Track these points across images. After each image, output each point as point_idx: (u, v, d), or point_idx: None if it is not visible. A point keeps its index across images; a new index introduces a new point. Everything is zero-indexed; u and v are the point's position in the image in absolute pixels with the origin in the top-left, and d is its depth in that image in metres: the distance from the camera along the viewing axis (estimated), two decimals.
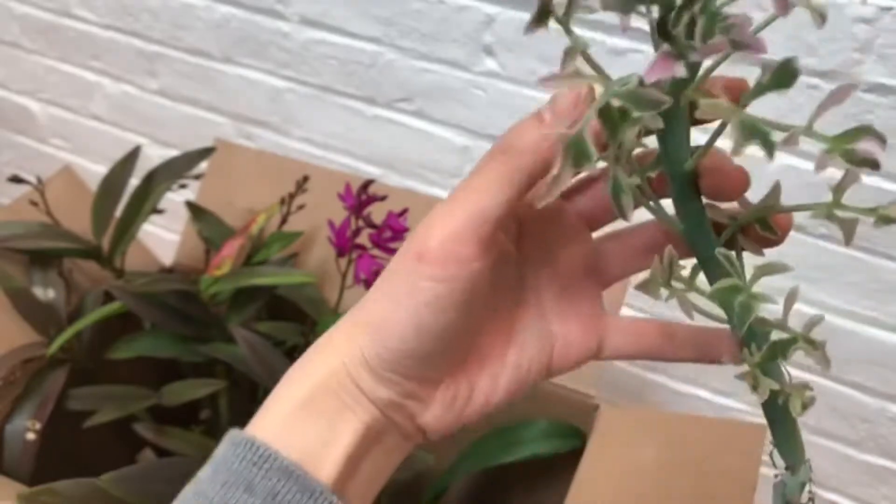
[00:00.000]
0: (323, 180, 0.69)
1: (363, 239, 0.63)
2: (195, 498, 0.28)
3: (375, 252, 0.63)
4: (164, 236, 1.03)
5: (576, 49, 0.25)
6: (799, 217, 0.77)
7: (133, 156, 0.70)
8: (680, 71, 0.22)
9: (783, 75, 0.23)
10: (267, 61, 0.92)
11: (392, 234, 0.63)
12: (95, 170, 1.09)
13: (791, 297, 0.27)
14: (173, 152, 0.76)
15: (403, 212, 0.63)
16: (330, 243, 0.65)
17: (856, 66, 0.63)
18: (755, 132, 0.23)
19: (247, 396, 0.68)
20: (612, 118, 0.24)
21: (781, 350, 0.28)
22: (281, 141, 0.97)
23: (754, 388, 0.28)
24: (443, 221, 0.28)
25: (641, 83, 0.24)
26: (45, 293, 0.66)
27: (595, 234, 0.32)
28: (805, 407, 0.29)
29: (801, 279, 0.74)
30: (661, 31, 0.23)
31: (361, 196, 0.62)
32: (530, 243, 0.31)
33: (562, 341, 0.32)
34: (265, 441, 0.28)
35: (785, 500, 0.32)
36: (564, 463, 0.58)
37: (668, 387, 0.89)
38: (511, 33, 0.77)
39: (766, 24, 0.25)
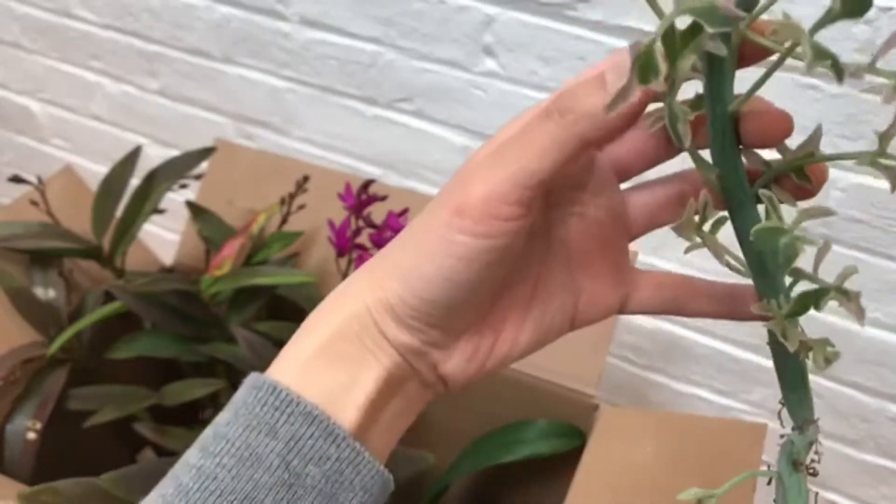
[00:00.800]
0: (323, 180, 0.69)
1: (363, 239, 0.63)
2: (216, 440, 0.28)
3: (375, 252, 0.63)
4: (164, 236, 1.03)
5: None
6: None
7: (133, 156, 0.70)
8: None
9: (855, 3, 0.22)
10: (267, 61, 0.92)
11: (392, 234, 0.63)
12: (96, 170, 1.09)
13: (824, 249, 0.27)
14: (174, 152, 0.76)
15: (403, 212, 0.63)
16: (330, 243, 0.65)
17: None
18: (826, 55, 0.23)
19: None
20: (673, 42, 0.24)
21: (815, 301, 0.27)
22: (281, 141, 0.97)
23: (784, 338, 0.28)
24: (487, 177, 0.27)
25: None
26: (46, 293, 0.66)
27: (623, 186, 0.32)
28: (828, 361, 0.28)
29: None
30: None
31: (361, 196, 0.62)
32: (561, 193, 0.30)
33: (587, 294, 0.31)
34: (286, 385, 0.28)
35: (792, 459, 0.31)
36: (564, 462, 0.58)
37: (668, 387, 0.90)
38: (511, 33, 0.77)
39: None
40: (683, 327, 0.85)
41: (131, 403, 0.61)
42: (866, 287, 0.74)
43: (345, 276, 0.64)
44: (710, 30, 0.23)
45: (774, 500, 0.32)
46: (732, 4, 0.23)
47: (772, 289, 0.29)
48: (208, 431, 0.29)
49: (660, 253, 0.81)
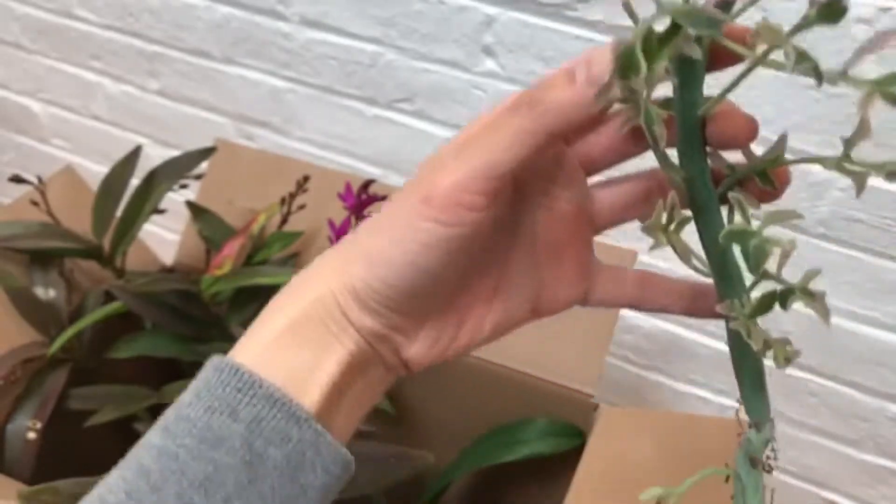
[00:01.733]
0: (323, 180, 0.69)
1: None
2: (177, 422, 0.28)
3: None
4: (164, 236, 1.03)
5: None
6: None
7: (134, 156, 0.70)
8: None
9: (831, 10, 0.23)
10: (267, 61, 0.92)
11: None
12: (96, 170, 1.09)
13: (788, 249, 0.27)
14: (174, 152, 0.76)
15: None
16: (330, 243, 0.65)
17: (855, 66, 0.63)
18: (806, 59, 0.23)
19: None
20: (651, 44, 0.24)
21: (781, 301, 0.28)
22: (281, 141, 0.97)
23: (748, 337, 0.28)
24: (454, 167, 0.27)
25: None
26: (46, 293, 0.66)
27: (591, 180, 0.32)
28: (788, 360, 0.29)
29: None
30: None
31: (361, 196, 0.62)
32: (529, 186, 0.31)
33: (550, 286, 0.32)
34: (249, 367, 0.28)
35: (749, 456, 0.32)
36: (564, 462, 0.58)
37: (668, 387, 0.90)
38: (511, 34, 0.77)
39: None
40: (683, 327, 0.85)
41: (131, 403, 0.61)
42: (866, 287, 0.74)
43: None
44: (691, 32, 0.23)
45: (733, 498, 0.33)
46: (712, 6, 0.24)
47: (733, 289, 0.29)
48: (170, 413, 0.29)
49: (660, 253, 0.81)
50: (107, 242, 0.68)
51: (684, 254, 0.29)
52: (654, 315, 0.86)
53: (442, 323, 0.31)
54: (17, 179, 0.66)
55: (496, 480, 0.70)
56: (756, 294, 0.29)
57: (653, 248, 0.29)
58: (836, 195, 0.70)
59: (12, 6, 1.06)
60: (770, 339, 0.29)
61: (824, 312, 0.28)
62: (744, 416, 0.33)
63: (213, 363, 0.29)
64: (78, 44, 1.04)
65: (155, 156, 1.01)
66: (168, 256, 0.77)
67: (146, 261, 0.76)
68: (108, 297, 0.65)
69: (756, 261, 0.26)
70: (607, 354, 0.63)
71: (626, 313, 0.83)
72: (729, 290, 0.29)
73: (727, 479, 0.33)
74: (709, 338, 0.84)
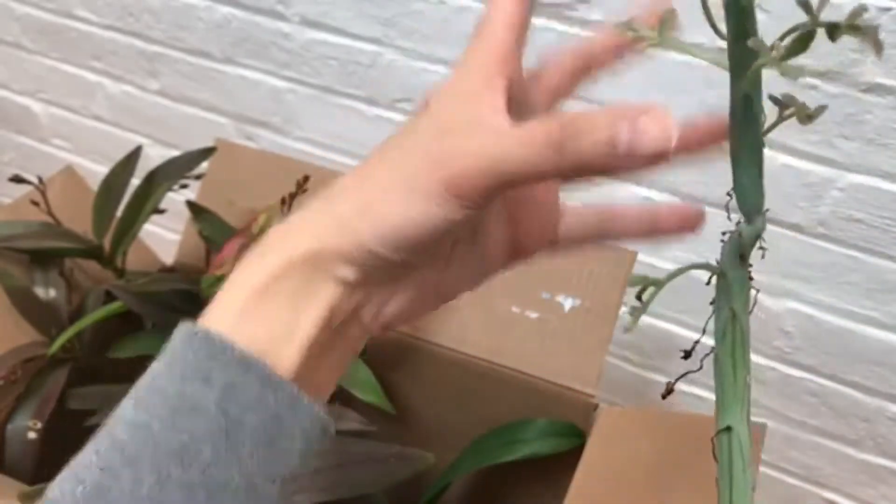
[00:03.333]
0: (323, 180, 0.69)
1: None
2: (150, 393, 0.28)
3: None
4: (165, 236, 1.03)
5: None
6: (797, 217, 0.77)
7: (134, 156, 0.70)
8: None
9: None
10: (268, 62, 0.92)
11: None
12: (97, 170, 1.09)
13: None
14: (174, 152, 0.77)
15: None
16: None
17: (854, 67, 0.64)
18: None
19: None
20: None
21: (829, 34, 0.26)
22: (281, 141, 0.97)
23: (783, 73, 0.26)
24: (477, 153, 0.27)
25: None
26: (47, 293, 0.66)
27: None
28: (810, 118, 0.28)
29: (801, 279, 0.74)
30: None
31: None
32: None
33: (524, 235, 0.32)
34: (222, 331, 0.27)
35: (738, 252, 0.31)
36: (564, 462, 0.58)
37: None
38: None
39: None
40: (683, 327, 0.85)
41: None
42: (866, 287, 0.74)
43: None
44: None
45: (712, 303, 0.33)
46: None
47: (749, 52, 0.28)
48: (142, 383, 0.28)
49: (659, 253, 0.81)
50: (107, 242, 0.68)
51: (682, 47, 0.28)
52: (654, 315, 0.86)
53: (423, 281, 0.30)
54: (17, 179, 0.66)
55: (496, 480, 0.70)
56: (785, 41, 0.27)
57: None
58: (836, 195, 0.70)
59: (12, 6, 1.06)
60: (790, 100, 0.28)
61: (877, 45, 0.25)
62: (733, 206, 0.31)
63: (183, 330, 0.28)
64: (78, 44, 1.04)
65: (155, 156, 1.01)
66: (168, 256, 0.77)
67: (146, 261, 0.76)
68: (109, 297, 0.65)
69: None
70: (607, 354, 0.63)
71: (625, 313, 0.83)
72: (747, 51, 0.28)
73: (709, 280, 0.32)
74: (709, 337, 0.84)
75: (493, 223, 0.32)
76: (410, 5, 0.80)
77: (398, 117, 0.88)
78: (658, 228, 0.32)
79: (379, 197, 0.28)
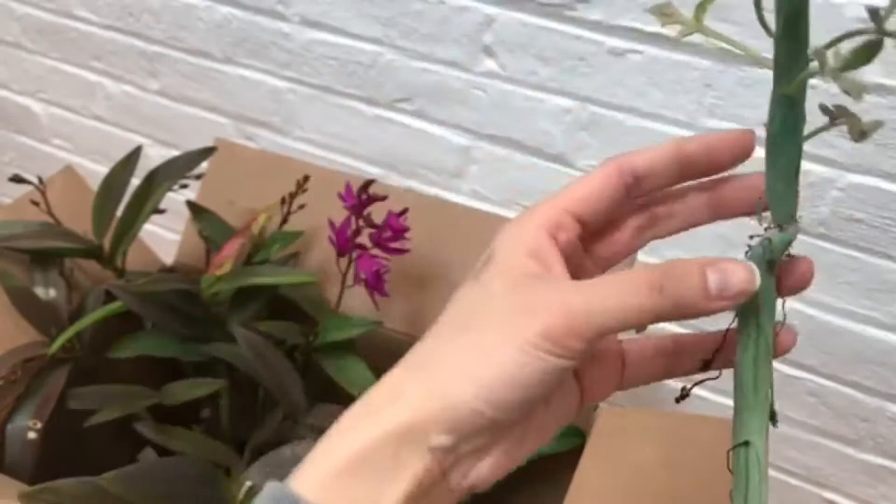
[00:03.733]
0: (323, 180, 0.69)
1: (363, 239, 0.63)
2: None
3: (376, 252, 0.63)
4: (165, 236, 1.03)
5: None
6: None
7: (134, 156, 0.70)
8: None
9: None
10: (267, 62, 0.92)
11: (392, 233, 0.63)
12: (96, 170, 1.09)
13: None
14: (174, 152, 0.77)
15: (403, 212, 0.63)
16: (330, 243, 0.65)
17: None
18: None
19: (247, 396, 0.68)
20: None
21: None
22: (281, 141, 0.97)
23: (846, 89, 0.25)
24: (574, 314, 0.28)
25: None
26: (47, 293, 0.66)
27: None
28: (864, 134, 0.27)
29: None
30: None
31: (362, 196, 0.62)
32: None
33: (593, 384, 0.34)
34: (308, 499, 0.27)
35: (768, 258, 0.30)
36: (564, 462, 0.58)
37: (668, 387, 0.89)
38: (511, 34, 0.77)
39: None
40: (683, 327, 0.85)
41: (132, 403, 0.61)
42: (866, 287, 0.74)
43: (345, 276, 0.64)
44: None
45: (738, 315, 0.32)
46: None
47: (800, 55, 0.27)
48: None
49: (659, 252, 0.81)
50: (107, 242, 0.68)
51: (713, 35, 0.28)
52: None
53: (511, 438, 0.30)
54: (17, 179, 0.66)
55: (496, 480, 0.69)
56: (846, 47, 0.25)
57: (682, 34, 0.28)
58: (836, 195, 0.70)
59: (12, 6, 1.06)
60: (844, 113, 0.27)
61: None
62: (765, 215, 0.31)
63: (270, 492, 0.28)
64: (78, 44, 1.04)
65: (155, 156, 1.01)
66: (168, 256, 0.77)
67: (146, 261, 0.76)
68: (109, 296, 0.65)
69: None
70: None
71: None
72: (795, 53, 0.27)
73: None
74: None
75: (566, 386, 0.33)
76: (410, 5, 0.80)
77: (398, 117, 0.88)
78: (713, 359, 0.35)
79: (474, 356, 0.28)
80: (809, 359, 0.79)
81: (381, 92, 0.88)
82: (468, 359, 0.29)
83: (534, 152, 0.83)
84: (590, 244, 0.33)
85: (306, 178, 0.68)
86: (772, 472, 0.89)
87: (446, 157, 0.88)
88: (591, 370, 0.33)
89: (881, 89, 0.64)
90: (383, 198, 0.63)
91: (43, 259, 0.67)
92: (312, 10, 0.86)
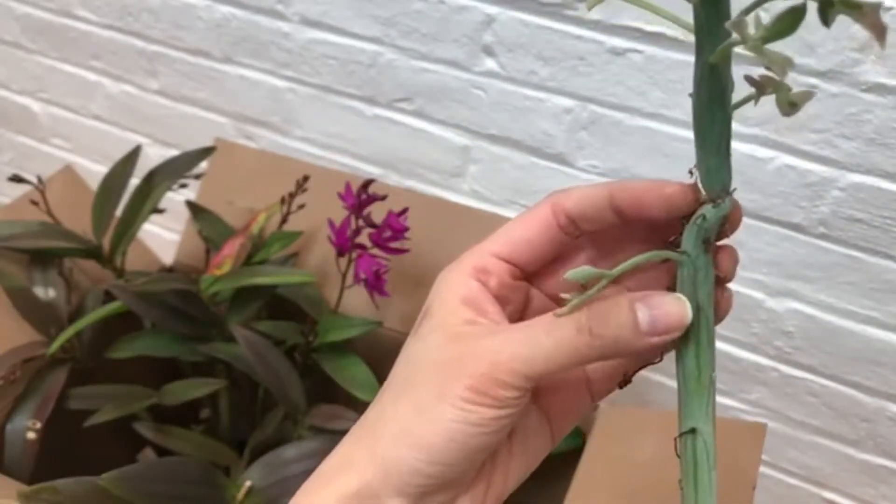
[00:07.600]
0: (323, 180, 0.69)
1: (363, 238, 0.63)
2: None
3: (375, 252, 0.63)
4: (164, 236, 1.03)
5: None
6: (798, 217, 0.77)
7: (133, 155, 0.70)
8: None
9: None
10: (267, 61, 0.92)
11: (392, 233, 0.63)
12: (96, 169, 1.09)
13: None
14: (174, 152, 0.77)
15: (403, 211, 0.63)
16: (330, 243, 0.65)
17: (855, 66, 0.63)
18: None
19: (247, 396, 0.68)
20: None
21: (821, 14, 0.22)
22: (281, 141, 0.97)
23: (766, 61, 0.23)
24: (505, 362, 0.28)
25: None
26: (46, 293, 0.66)
27: None
28: (794, 105, 0.25)
29: (801, 279, 0.74)
30: None
31: (361, 196, 0.62)
32: None
33: (558, 419, 0.33)
34: None
35: (703, 237, 0.29)
36: (564, 462, 0.58)
37: (668, 387, 0.90)
38: (511, 33, 0.77)
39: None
40: None
41: (131, 403, 0.61)
42: (866, 287, 0.74)
43: (345, 275, 0.64)
44: None
45: (669, 288, 0.30)
46: None
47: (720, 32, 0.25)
48: None
49: None
50: (107, 242, 0.68)
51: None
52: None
53: (479, 486, 0.30)
54: (17, 179, 0.66)
55: None
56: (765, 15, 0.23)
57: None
58: (836, 195, 0.70)
59: (12, 6, 1.06)
60: (769, 82, 0.25)
61: (878, 29, 0.21)
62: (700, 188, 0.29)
63: None
64: (78, 44, 1.04)
65: (155, 156, 1.01)
66: (168, 256, 0.77)
67: (146, 261, 0.76)
68: (108, 297, 0.65)
69: None
70: None
71: None
72: (716, 19, 0.25)
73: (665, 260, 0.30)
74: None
75: (532, 427, 0.32)
76: (410, 5, 0.80)
77: (398, 117, 0.88)
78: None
79: (412, 417, 0.29)
80: (809, 359, 0.79)
81: (381, 92, 0.88)
82: (407, 420, 0.29)
83: (534, 152, 0.83)
84: (540, 281, 0.33)
85: (306, 178, 0.68)
86: (772, 472, 0.89)
87: (446, 157, 0.88)
88: (553, 400, 0.33)
89: (881, 89, 0.64)
90: (383, 197, 0.63)
91: (42, 259, 0.67)
92: (312, 10, 0.86)
